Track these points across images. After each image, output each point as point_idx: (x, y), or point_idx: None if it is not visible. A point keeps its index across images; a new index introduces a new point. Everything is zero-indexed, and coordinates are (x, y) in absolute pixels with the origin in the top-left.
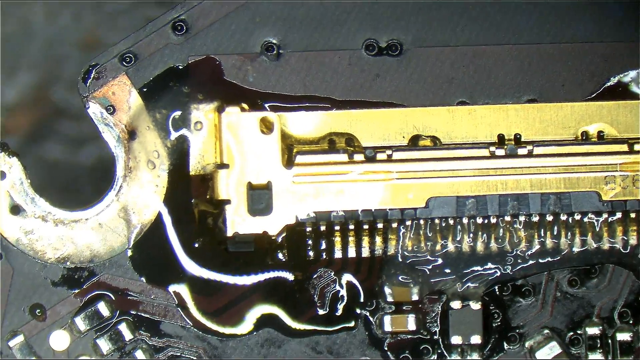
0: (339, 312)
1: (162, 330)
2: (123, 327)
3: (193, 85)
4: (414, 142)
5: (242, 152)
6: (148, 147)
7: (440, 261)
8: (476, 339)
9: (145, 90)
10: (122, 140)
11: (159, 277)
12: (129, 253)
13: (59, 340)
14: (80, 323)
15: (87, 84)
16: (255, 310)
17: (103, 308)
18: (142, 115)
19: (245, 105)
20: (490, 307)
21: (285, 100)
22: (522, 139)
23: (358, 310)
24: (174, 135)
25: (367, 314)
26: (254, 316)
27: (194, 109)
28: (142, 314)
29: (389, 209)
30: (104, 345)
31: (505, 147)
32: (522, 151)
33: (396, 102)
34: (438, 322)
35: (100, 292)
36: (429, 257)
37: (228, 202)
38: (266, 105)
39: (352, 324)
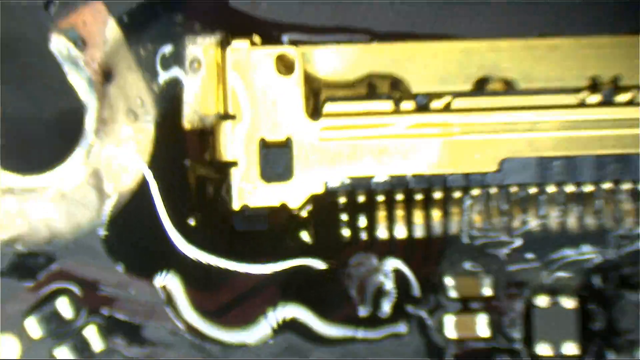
0: (385, 312)
1: (144, 337)
2: (91, 333)
3: (188, 13)
4: (481, 87)
5: (253, 100)
6: (129, 93)
7: (519, 243)
8: (571, 348)
9: (125, 19)
10: (95, 83)
11: (141, 266)
12: (102, 233)
13: (5, 349)
14: (34, 326)
15: (50, 11)
16: (271, 310)
17: (65, 307)
18: (122, 51)
19: (257, 39)
20: (589, 305)
21: (309, 32)
22: (622, 83)
23: (410, 309)
24: (163, 77)
25: (423, 314)
26: (270, 318)
27: (189, 43)
28: (118, 315)
29: (450, 174)
30: (66, 356)
31: (601, 92)
32: (622, 98)
33: (457, 34)
34: (518, 326)
35: (62, 286)
36: (504, 237)
37: (234, 164)
38: (284, 38)
39: (403, 328)
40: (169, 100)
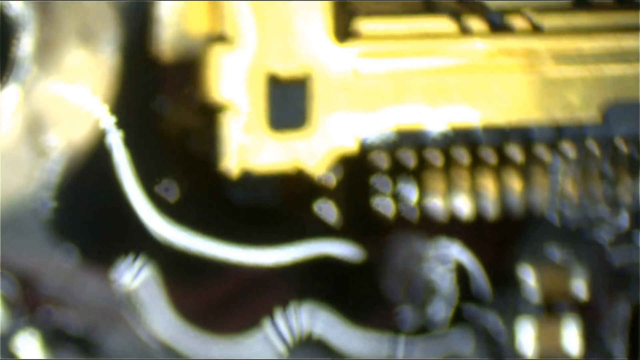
0: (441, 315)
1: (101, 351)
2: (29, 345)
3: None
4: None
5: (258, 16)
6: (82, 6)
7: (627, 223)
8: None
9: None
10: None
11: (98, 252)
12: (43, 206)
13: None
14: None
15: None
16: (280, 316)
17: None
18: None
19: None
20: None
21: None
22: None
23: (476, 312)
24: None
25: (495, 318)
26: (279, 326)
27: None
28: (66, 321)
29: (535, 124)
30: None
31: None
32: None
33: None
34: (623, 337)
35: None
36: (608, 215)
37: (231, 108)
38: None
39: (466, 337)
40: (139, 18)
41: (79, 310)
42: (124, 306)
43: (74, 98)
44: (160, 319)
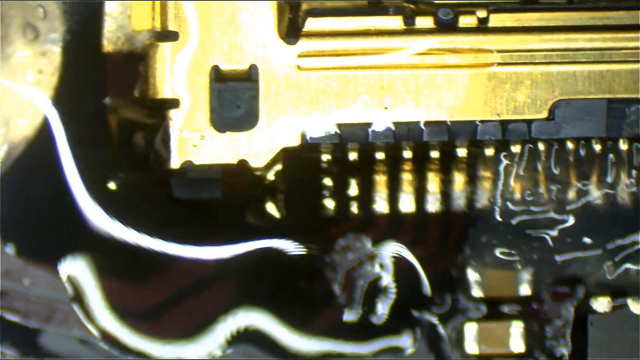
0: (382, 318)
1: (42, 347)
2: None
3: None
4: None
5: (203, 12)
6: (25, 2)
7: (572, 221)
8: None
9: None
10: None
11: (40, 247)
12: None
13: None
14: None
15: None
16: (223, 313)
17: None
18: None
19: None
20: None
21: None
22: None
23: (417, 314)
24: None
25: (435, 320)
26: (223, 324)
27: None
28: (7, 317)
29: (479, 121)
30: None
31: None
32: None
33: None
34: (568, 339)
35: None
36: (553, 213)
37: (174, 104)
38: None
39: (406, 339)
40: (84, 12)
41: (18, 305)
42: (65, 301)
43: (18, 93)
44: (100, 314)
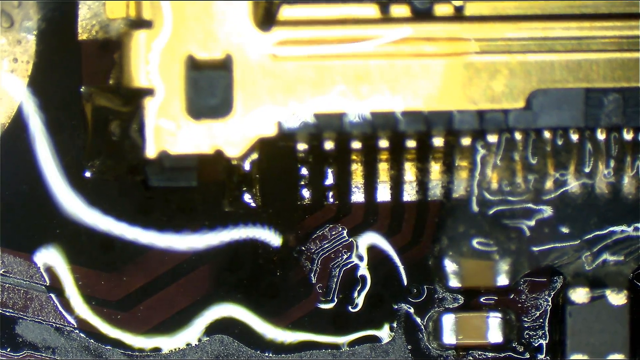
0: (357, 307)
1: (19, 336)
2: None
3: None
4: None
5: (177, 0)
6: None
7: (550, 212)
8: None
9: None
10: None
11: (15, 236)
12: None
13: None
14: None
15: None
16: (199, 302)
17: None
18: None
19: None
20: None
21: None
22: None
23: (394, 305)
24: None
25: (411, 310)
26: (198, 313)
27: None
28: None
29: (457, 112)
30: None
31: None
32: None
33: None
34: (546, 329)
35: None
36: (530, 204)
37: (149, 92)
38: None
39: (382, 329)
40: (58, 1)
41: None
42: (40, 289)
43: None
44: (75, 303)
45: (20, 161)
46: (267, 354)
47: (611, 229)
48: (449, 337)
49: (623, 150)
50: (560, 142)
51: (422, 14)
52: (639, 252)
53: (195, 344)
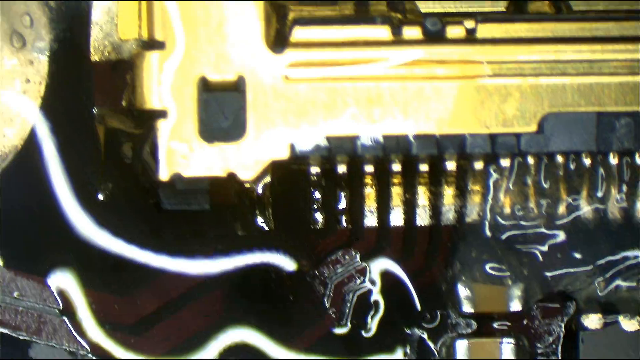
0: (370, 332)
1: (29, 352)
2: None
3: None
4: (519, 6)
5: (190, 21)
6: (13, 7)
7: (563, 237)
8: None
9: None
10: None
11: (29, 258)
12: None
13: None
14: None
15: None
16: (212, 326)
17: None
18: None
19: None
20: None
21: None
22: None
23: (408, 330)
24: None
25: (424, 336)
26: (212, 337)
27: None
28: None
29: (470, 135)
30: None
31: None
32: None
33: None
34: (559, 355)
35: None
36: (543, 228)
37: (162, 115)
38: None
39: (395, 354)
40: (70, 20)
41: (7, 317)
42: (54, 313)
43: (5, 102)
44: (88, 327)
45: (33, 183)
46: None
47: (624, 254)
48: None
49: (635, 175)
50: (572, 167)
51: (434, 36)
52: None
53: None
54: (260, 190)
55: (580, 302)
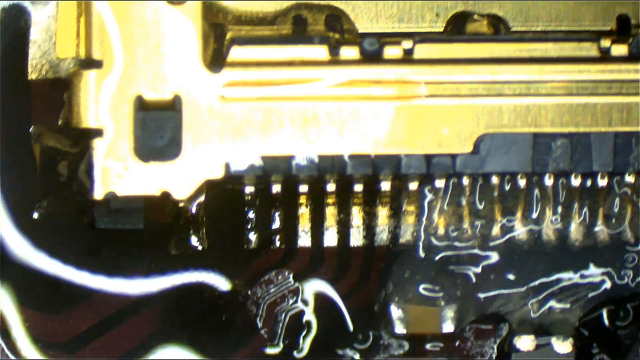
0: (302, 352)
1: None
2: None
3: None
4: (457, 27)
5: (127, 39)
6: None
7: (496, 258)
8: None
9: None
10: None
11: None
12: None
13: None
14: None
15: None
16: (145, 344)
17: None
18: None
19: None
20: (591, 349)
21: None
22: None
23: (340, 351)
24: (0, 4)
25: (356, 357)
26: (144, 355)
27: None
28: None
29: (405, 155)
30: None
31: (630, 41)
32: None
33: None
34: None
35: None
36: (477, 250)
37: (98, 133)
38: None
39: None
40: (8, 38)
41: None
42: None
43: None
44: (21, 344)
45: None
46: None
47: (558, 276)
48: None
49: (570, 197)
50: (507, 188)
51: (372, 56)
52: (585, 300)
53: None
54: (194, 210)
55: (513, 324)
